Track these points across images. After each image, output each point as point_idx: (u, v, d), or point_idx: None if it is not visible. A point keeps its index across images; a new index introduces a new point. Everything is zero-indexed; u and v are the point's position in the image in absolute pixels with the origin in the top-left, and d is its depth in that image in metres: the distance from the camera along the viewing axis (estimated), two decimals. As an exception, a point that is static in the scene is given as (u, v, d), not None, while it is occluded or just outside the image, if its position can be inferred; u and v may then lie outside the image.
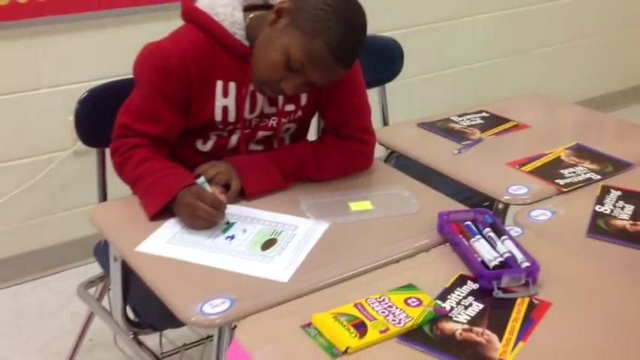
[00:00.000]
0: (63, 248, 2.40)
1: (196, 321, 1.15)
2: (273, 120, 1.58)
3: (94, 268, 1.83)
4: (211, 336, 1.91)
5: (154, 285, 1.23)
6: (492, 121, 1.95)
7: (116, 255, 1.44)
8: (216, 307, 1.16)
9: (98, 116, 1.69)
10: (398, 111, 2.21)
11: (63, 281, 2.35)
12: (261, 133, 1.59)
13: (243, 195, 1.48)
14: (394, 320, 1.13)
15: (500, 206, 1.62)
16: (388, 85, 2.20)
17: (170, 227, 1.38)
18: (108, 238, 1.42)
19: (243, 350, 1.08)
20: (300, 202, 1.48)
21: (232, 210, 1.43)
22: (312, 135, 1.74)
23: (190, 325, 1.16)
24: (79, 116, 1.70)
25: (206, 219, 1.36)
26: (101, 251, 1.74)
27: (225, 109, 1.53)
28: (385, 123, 2.19)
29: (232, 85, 1.51)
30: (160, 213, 1.40)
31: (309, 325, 1.12)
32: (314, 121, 1.73)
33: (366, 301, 1.17)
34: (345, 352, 1.07)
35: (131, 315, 1.55)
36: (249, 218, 1.42)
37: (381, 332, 1.10)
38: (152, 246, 1.32)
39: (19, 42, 2.14)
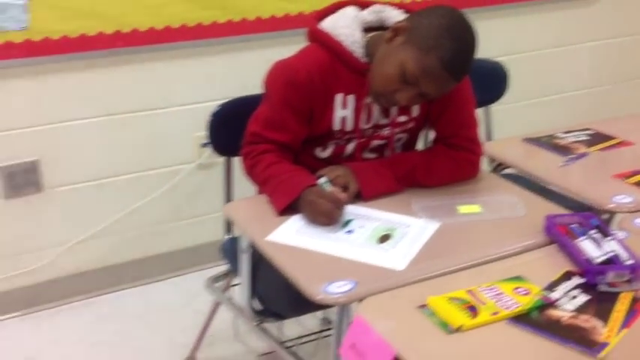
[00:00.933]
0: (186, 252, 2.61)
1: (322, 299, 1.29)
2: (387, 130, 1.73)
3: (214, 271, 2.02)
4: (325, 330, 2.06)
5: (284, 268, 1.38)
6: (598, 138, 2.01)
7: (245, 247, 1.61)
8: (340, 288, 1.29)
9: (228, 128, 1.88)
10: (500, 134, 2.30)
11: (186, 282, 2.56)
12: (375, 142, 1.74)
13: (359, 197, 1.62)
14: (504, 305, 1.23)
15: (605, 216, 1.68)
16: (492, 108, 2.31)
17: (295, 221, 1.53)
18: (241, 228, 1.59)
19: (365, 323, 1.20)
20: (411, 204, 1.60)
21: (350, 209, 1.57)
22: (419, 147, 1.87)
23: (317, 302, 1.29)
24: (212, 127, 1.90)
25: (326, 215, 1.51)
26: (227, 248, 1.92)
27: (343, 120, 1.68)
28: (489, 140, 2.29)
29: (351, 98, 1.67)
30: (286, 209, 1.56)
31: (424, 306, 1.24)
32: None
33: (477, 288, 1.27)
34: (459, 329, 1.17)
35: (256, 305, 1.71)
36: (366, 217, 1.56)
37: (492, 314, 1.20)
38: (281, 236, 1.48)
39: (154, 64, 2.38)
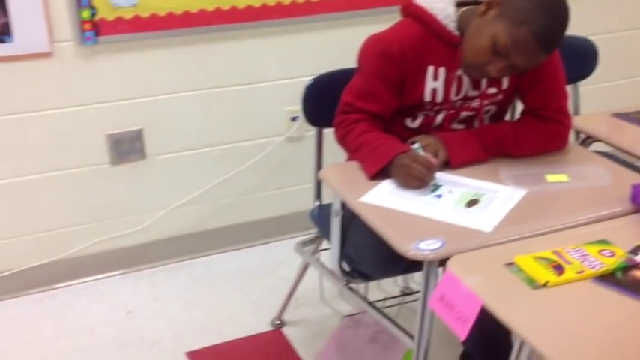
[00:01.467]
0: (274, 221, 2.74)
1: (413, 254, 1.37)
2: (476, 102, 1.78)
3: (298, 240, 2.14)
4: (408, 293, 2.14)
5: (376, 226, 1.47)
6: (689, 115, 2.00)
7: (337, 209, 1.70)
8: (429, 245, 1.37)
9: (320, 100, 1.98)
10: (587, 112, 2.31)
11: (273, 249, 2.69)
12: (464, 114, 1.80)
13: (448, 165, 1.69)
14: (589, 265, 1.28)
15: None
16: (580, 86, 2.32)
17: (386, 185, 1.62)
18: (335, 190, 1.68)
19: (454, 276, 1.28)
20: (499, 172, 1.66)
21: (439, 176, 1.64)
22: (506, 119, 1.92)
23: (408, 257, 1.37)
24: (305, 99, 2.00)
25: (419, 178, 1.59)
26: (316, 214, 2.03)
27: (434, 91, 1.75)
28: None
29: (442, 70, 1.73)
30: (377, 175, 1.65)
31: (511, 264, 1.30)
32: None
33: (563, 249, 1.33)
34: (545, 285, 1.23)
35: (344, 266, 1.81)
36: (454, 183, 1.63)
37: (577, 273, 1.26)
38: (372, 198, 1.57)
39: (250, 41, 2.50)
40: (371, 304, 1.82)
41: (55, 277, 2.48)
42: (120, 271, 2.57)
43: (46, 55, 2.23)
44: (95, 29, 2.24)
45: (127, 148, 2.44)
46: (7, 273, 2.41)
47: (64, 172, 2.40)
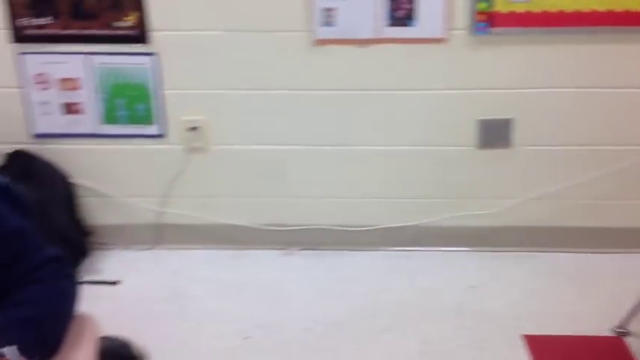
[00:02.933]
0: (626, 232, 2.67)
1: None
2: None
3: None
4: None
5: None
6: None
7: None
8: None
9: None
10: None
11: (619, 259, 2.63)
12: None
13: None
14: None
15: None
16: None
17: None
18: None
19: None
20: None
21: None
22: None
23: None
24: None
25: None
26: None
27: None
28: None
29: None
30: None
31: None
32: None
33: None
34: None
35: None
36: None
37: None
38: None
39: (634, 45, 2.45)
40: None
41: (409, 241, 2.75)
42: (467, 248, 2.74)
43: (441, 41, 2.47)
44: (488, 21, 2.41)
45: (494, 134, 2.59)
46: (368, 228, 2.74)
47: (433, 148, 2.64)
